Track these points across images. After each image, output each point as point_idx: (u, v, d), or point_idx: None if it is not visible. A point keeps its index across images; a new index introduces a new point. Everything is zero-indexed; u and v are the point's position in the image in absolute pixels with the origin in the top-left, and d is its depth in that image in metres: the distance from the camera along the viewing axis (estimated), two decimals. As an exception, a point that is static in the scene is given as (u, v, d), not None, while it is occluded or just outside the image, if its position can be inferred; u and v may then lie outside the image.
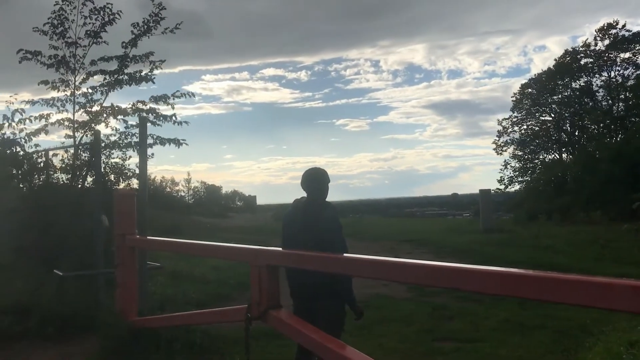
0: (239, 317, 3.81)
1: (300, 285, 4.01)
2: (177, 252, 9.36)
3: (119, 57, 9.10)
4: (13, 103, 9.22)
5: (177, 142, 8.96)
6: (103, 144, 8.84)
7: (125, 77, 9.16)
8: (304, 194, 4.14)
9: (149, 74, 9.23)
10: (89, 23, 9.01)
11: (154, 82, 9.35)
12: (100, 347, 5.78)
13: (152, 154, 9.37)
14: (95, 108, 9.19)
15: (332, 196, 4.18)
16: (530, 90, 37.17)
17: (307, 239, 3.87)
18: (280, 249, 3.98)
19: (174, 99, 9.22)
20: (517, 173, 37.34)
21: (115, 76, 9.14)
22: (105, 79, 9.18)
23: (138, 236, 5.93)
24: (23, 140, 9.31)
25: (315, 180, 4.06)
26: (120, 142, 9.25)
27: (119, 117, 9.30)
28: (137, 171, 8.51)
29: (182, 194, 51.11)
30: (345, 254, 3.40)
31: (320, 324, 3.64)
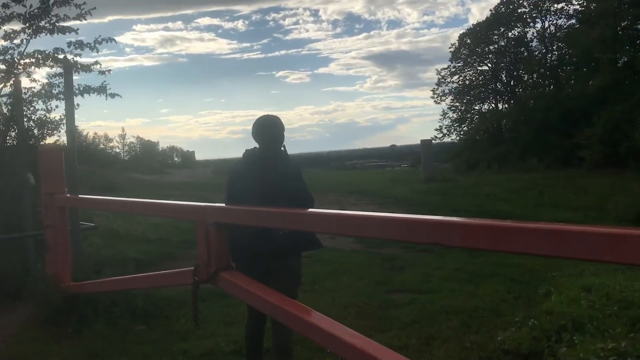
0: (186, 281, 3.48)
1: (252, 244, 3.64)
2: (115, 211, 8.79)
3: None
4: None
5: (104, 91, 8.14)
6: (25, 96, 8.08)
7: (47, 24, 8.28)
8: (248, 147, 3.80)
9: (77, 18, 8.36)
10: None
11: (77, 33, 8.49)
12: (32, 316, 5.36)
13: (78, 105, 8.47)
14: (16, 57, 8.32)
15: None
16: (467, 40, 37.31)
17: (267, 191, 3.53)
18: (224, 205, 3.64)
19: (96, 45, 8.42)
20: (455, 123, 37.84)
21: (34, 23, 8.24)
22: (24, 26, 8.27)
23: (68, 195, 5.45)
24: None
25: (271, 127, 3.71)
26: (44, 92, 8.43)
27: (42, 66, 8.44)
28: (64, 123, 7.83)
29: (117, 150, 49.06)
30: (308, 209, 3.13)
31: (276, 284, 3.36)
